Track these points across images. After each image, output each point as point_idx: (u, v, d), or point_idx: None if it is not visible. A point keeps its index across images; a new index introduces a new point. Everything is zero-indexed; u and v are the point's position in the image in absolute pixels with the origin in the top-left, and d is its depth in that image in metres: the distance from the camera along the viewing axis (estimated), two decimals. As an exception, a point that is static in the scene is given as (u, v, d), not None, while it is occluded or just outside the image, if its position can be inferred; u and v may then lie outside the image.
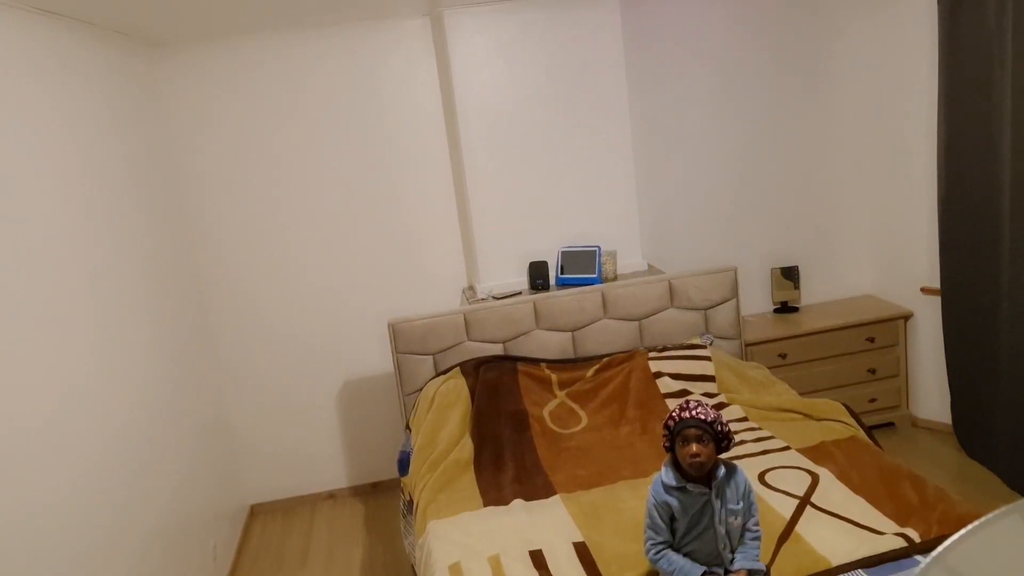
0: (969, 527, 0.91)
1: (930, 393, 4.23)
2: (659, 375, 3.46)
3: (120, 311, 2.89)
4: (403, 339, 3.60)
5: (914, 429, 4.29)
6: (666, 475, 2.13)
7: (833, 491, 2.56)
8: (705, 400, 3.31)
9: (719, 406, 3.33)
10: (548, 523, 2.60)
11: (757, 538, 2.15)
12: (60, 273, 2.46)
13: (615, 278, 3.93)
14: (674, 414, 2.11)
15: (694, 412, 2.07)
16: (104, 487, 2.53)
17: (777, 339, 4.12)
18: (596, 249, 3.88)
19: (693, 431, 2.06)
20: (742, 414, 3.25)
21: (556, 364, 3.60)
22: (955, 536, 0.91)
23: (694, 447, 2.06)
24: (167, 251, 3.55)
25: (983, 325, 3.63)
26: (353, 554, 3.85)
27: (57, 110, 2.63)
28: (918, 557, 2.21)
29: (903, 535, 2.26)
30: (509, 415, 3.31)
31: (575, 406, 3.42)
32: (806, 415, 3.19)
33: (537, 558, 2.40)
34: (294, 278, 4.16)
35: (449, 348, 3.63)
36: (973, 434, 3.80)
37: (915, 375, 4.28)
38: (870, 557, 2.19)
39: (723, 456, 2.27)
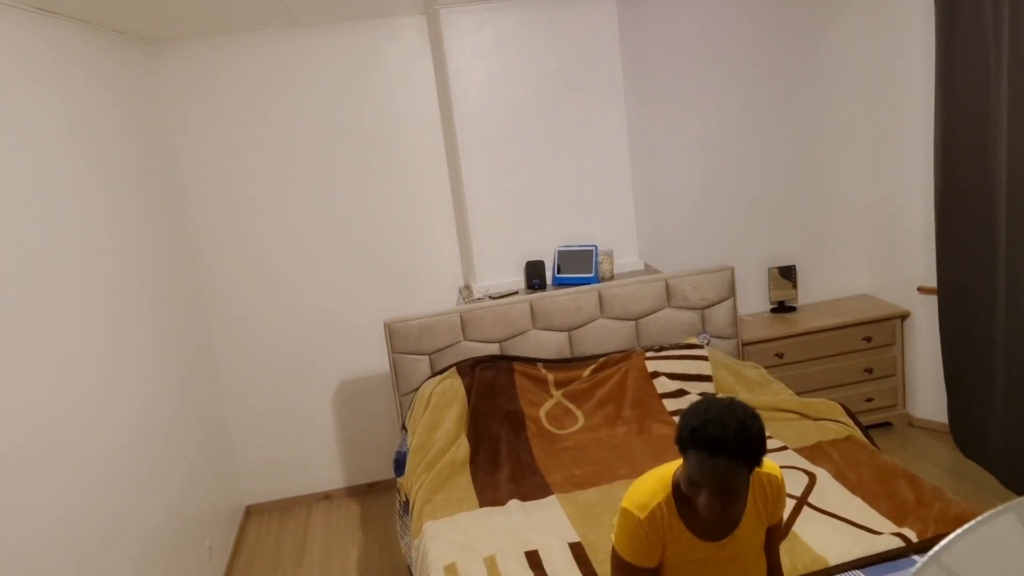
0: (965, 526, 0.90)
1: (927, 393, 4.23)
2: (656, 375, 3.45)
3: (123, 312, 2.87)
4: (399, 339, 3.60)
5: (911, 428, 4.29)
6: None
7: (830, 491, 2.56)
8: None
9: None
10: (544, 523, 2.59)
11: None
12: (64, 275, 2.45)
13: (612, 277, 3.93)
14: None
15: None
16: (106, 490, 2.53)
17: (774, 339, 4.11)
18: (593, 248, 3.87)
19: None
20: (739, 414, 3.24)
21: (552, 364, 3.59)
22: (951, 535, 0.91)
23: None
24: (166, 250, 3.54)
25: (980, 324, 3.63)
26: (349, 555, 3.84)
27: (59, 109, 2.62)
28: (915, 557, 2.21)
29: (900, 535, 2.26)
30: (505, 415, 3.31)
31: (571, 406, 3.41)
32: (803, 415, 3.18)
33: (533, 558, 2.39)
34: (290, 277, 4.15)
35: (445, 348, 3.62)
36: (969, 433, 3.79)
37: (912, 375, 4.28)
38: (867, 557, 2.19)
39: None
